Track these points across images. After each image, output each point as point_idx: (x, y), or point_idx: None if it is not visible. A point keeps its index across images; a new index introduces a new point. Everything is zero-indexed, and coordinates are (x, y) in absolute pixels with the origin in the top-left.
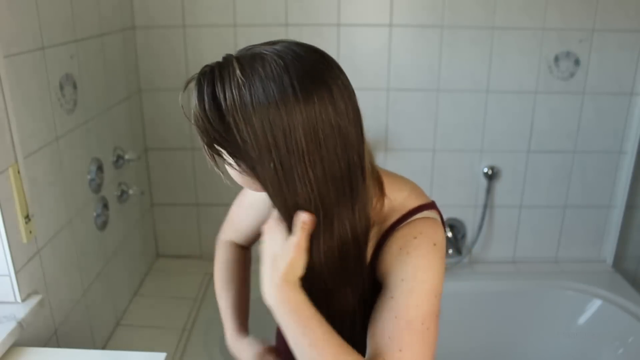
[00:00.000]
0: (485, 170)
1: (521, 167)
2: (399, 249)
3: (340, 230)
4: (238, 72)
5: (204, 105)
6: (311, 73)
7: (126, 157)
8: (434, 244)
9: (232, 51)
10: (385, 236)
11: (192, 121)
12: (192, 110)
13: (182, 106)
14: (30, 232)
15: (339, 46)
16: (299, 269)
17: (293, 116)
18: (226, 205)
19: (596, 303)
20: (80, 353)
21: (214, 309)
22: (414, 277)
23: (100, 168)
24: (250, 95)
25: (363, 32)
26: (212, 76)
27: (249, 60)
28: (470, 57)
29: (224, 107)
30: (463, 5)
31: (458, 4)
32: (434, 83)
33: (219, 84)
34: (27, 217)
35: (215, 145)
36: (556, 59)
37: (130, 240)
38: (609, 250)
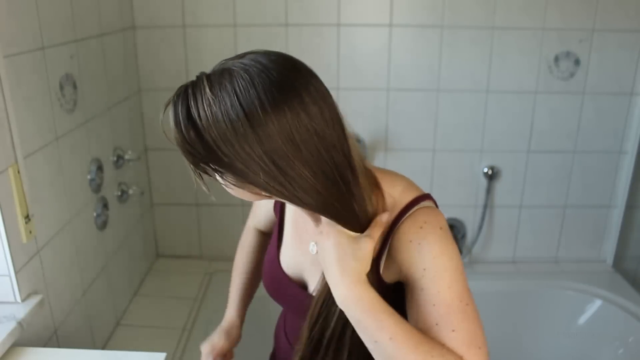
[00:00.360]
0: (485, 170)
1: (521, 167)
2: (408, 242)
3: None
4: (208, 90)
5: (181, 127)
6: (279, 83)
7: (126, 157)
8: (440, 228)
9: (232, 52)
10: (389, 233)
11: (174, 143)
12: (172, 133)
13: (163, 131)
14: (30, 232)
15: (339, 46)
16: (368, 265)
17: (265, 128)
18: (226, 205)
19: (596, 303)
20: (80, 353)
21: (214, 309)
22: (435, 264)
23: (100, 168)
24: (221, 112)
25: (363, 32)
26: (186, 96)
27: (218, 77)
28: (470, 57)
29: (199, 126)
30: (463, 5)
31: (458, 4)
32: (434, 83)
33: (192, 104)
34: (27, 217)
35: (201, 164)
36: (556, 59)
37: (130, 240)
38: (609, 250)
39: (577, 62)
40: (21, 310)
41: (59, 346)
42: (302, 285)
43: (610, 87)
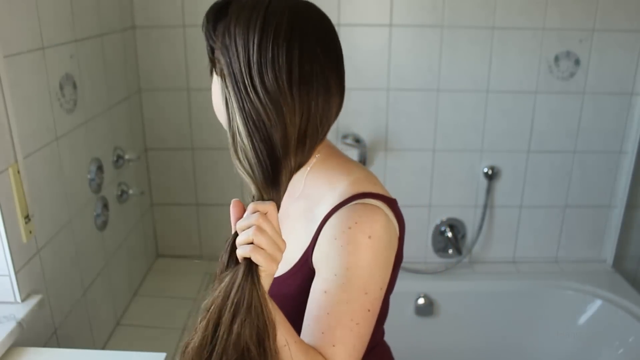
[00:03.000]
0: (485, 170)
1: (521, 167)
2: (333, 239)
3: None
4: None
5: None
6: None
7: (126, 157)
8: (369, 237)
9: None
10: (324, 220)
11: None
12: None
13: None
14: (30, 232)
15: None
16: None
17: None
18: (226, 205)
19: (596, 303)
20: (80, 353)
21: None
22: (345, 274)
23: (100, 168)
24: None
25: (363, 32)
26: None
27: None
28: (470, 57)
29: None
30: (463, 5)
31: (458, 4)
32: (434, 83)
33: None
34: (27, 217)
35: (210, 41)
36: (556, 59)
37: (130, 240)
38: (609, 250)
39: (577, 62)
40: (21, 310)
41: (59, 346)
42: None
43: (610, 87)
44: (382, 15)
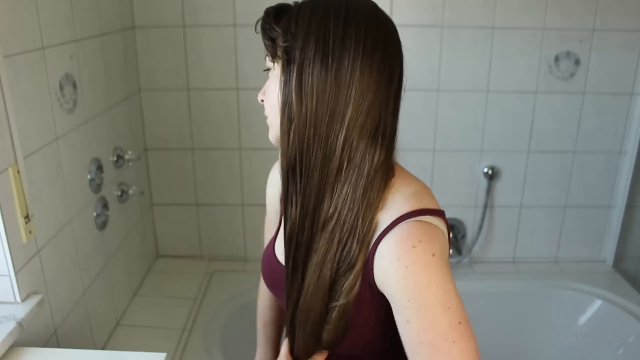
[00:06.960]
0: (485, 170)
1: (521, 167)
2: (396, 260)
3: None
4: None
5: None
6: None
7: (126, 157)
8: (433, 254)
9: (232, 52)
10: (384, 234)
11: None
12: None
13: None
14: (30, 232)
15: None
16: None
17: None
18: (226, 205)
19: (596, 303)
20: (80, 353)
21: (214, 309)
22: (419, 297)
23: (100, 168)
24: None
25: None
26: None
27: None
28: (470, 57)
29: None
30: (463, 5)
31: (458, 4)
32: (434, 83)
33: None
34: (27, 217)
35: (273, 36)
36: (556, 58)
37: (130, 240)
38: (609, 250)
39: (577, 62)
40: (21, 310)
41: (58, 346)
42: None
43: (610, 87)
44: None
